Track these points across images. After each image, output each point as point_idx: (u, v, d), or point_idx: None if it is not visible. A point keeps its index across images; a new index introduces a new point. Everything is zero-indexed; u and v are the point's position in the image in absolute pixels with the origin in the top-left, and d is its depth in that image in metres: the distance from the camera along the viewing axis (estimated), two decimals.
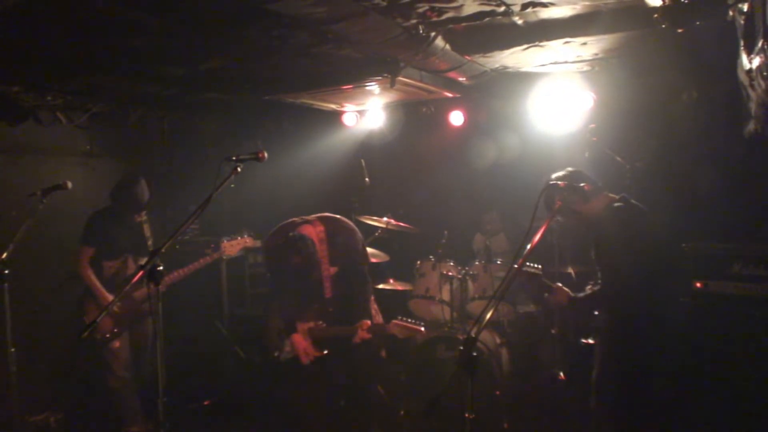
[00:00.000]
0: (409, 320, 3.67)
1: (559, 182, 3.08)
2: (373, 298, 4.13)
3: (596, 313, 3.30)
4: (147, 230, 4.38)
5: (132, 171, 4.42)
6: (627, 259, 2.93)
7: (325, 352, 3.79)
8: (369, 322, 3.73)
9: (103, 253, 4.23)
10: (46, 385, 4.85)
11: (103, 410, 4.38)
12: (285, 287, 3.92)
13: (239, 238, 4.30)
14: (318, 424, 3.87)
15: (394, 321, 3.68)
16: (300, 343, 3.79)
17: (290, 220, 3.94)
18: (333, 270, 3.85)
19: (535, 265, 3.33)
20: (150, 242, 4.36)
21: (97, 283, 4.15)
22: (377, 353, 4.11)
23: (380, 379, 4.31)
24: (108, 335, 4.16)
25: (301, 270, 3.68)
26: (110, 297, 4.11)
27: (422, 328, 3.62)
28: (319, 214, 3.98)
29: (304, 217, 3.92)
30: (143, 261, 4.26)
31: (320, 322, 3.85)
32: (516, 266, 2.71)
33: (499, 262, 4.95)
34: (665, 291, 3.04)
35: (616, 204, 3.12)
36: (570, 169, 3.24)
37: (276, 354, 3.90)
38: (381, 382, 4.34)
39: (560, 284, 3.31)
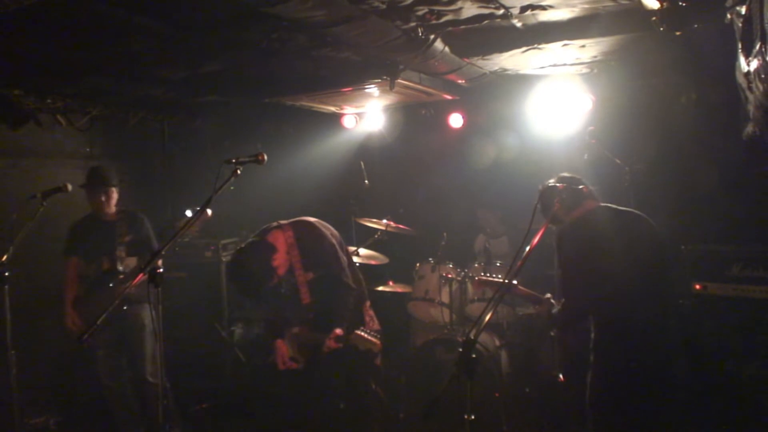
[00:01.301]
0: (371, 332, 3.75)
1: (557, 184, 3.07)
2: (368, 303, 4.08)
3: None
4: (122, 226, 4.31)
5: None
6: (591, 267, 2.87)
7: (299, 365, 3.80)
8: (340, 330, 3.66)
9: (83, 259, 4.29)
10: (45, 388, 4.85)
11: (103, 413, 4.38)
12: (268, 294, 3.90)
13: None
14: (317, 425, 3.87)
15: (356, 332, 3.72)
16: (279, 349, 3.78)
17: (267, 224, 3.89)
18: (309, 276, 3.79)
19: (497, 276, 3.28)
20: (127, 238, 4.28)
21: (67, 301, 4.23)
22: (372, 362, 4.10)
23: (378, 381, 4.31)
24: (86, 345, 4.09)
25: (259, 278, 3.64)
26: (71, 313, 4.19)
27: (378, 341, 3.70)
28: (294, 219, 3.91)
29: (281, 221, 3.87)
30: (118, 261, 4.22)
31: (304, 328, 3.84)
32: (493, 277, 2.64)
33: (498, 264, 4.95)
34: (654, 300, 2.92)
35: (590, 211, 3.03)
36: (564, 174, 3.16)
37: (272, 357, 3.92)
38: (380, 385, 4.34)
39: (549, 296, 3.23)
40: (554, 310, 3.10)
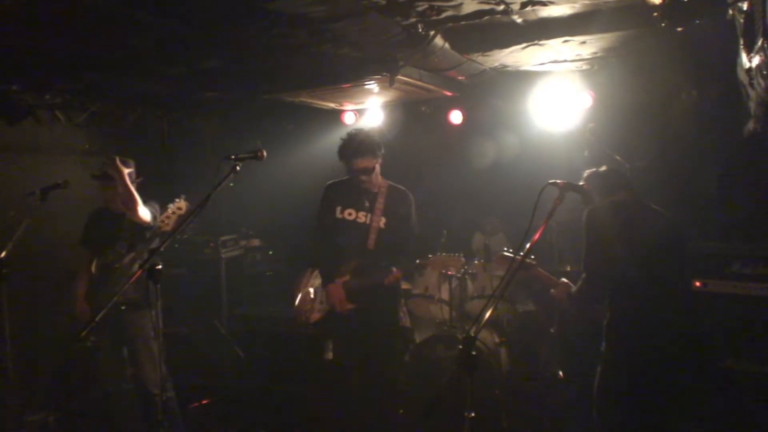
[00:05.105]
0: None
1: (558, 181, 3.08)
2: (402, 301, 4.10)
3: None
4: (128, 220, 3.88)
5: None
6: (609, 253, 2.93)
7: (353, 307, 3.79)
8: (398, 272, 3.75)
9: (91, 251, 4.07)
10: (44, 385, 4.84)
11: (102, 410, 4.37)
12: (329, 236, 3.90)
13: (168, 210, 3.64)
14: (327, 420, 3.91)
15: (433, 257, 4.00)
16: (335, 291, 3.78)
17: None
18: (382, 222, 3.82)
19: (530, 257, 3.33)
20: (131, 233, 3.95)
21: (78, 291, 3.98)
22: (401, 358, 4.14)
23: (412, 357, 4.35)
24: (88, 344, 3.99)
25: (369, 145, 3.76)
26: (80, 303, 3.93)
27: (463, 258, 4.08)
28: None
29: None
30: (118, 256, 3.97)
31: (354, 276, 3.84)
32: (514, 255, 2.68)
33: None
34: (663, 295, 2.94)
35: (611, 201, 3.09)
36: (603, 167, 3.22)
37: (304, 319, 3.88)
38: (413, 359, 4.38)
39: (565, 280, 3.28)
40: (573, 290, 3.17)
